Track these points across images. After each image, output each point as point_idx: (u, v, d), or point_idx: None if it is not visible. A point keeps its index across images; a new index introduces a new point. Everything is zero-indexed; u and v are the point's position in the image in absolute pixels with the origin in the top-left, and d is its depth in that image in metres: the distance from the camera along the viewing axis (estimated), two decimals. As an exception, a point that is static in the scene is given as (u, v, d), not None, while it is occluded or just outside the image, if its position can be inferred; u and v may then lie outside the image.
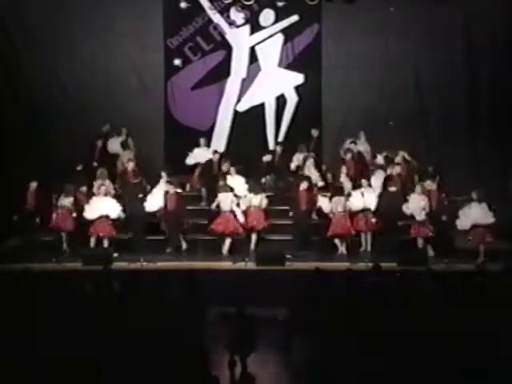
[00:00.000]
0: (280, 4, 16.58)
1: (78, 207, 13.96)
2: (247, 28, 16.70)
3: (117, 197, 14.34)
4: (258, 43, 16.77)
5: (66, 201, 13.92)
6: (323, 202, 14.36)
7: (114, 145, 15.86)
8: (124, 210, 14.02)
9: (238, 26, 16.67)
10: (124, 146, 15.77)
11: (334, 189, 14.60)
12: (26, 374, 8.02)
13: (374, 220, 13.95)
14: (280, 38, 16.72)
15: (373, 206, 14.02)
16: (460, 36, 16.42)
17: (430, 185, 14.29)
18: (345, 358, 8.62)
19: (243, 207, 14.23)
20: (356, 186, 14.51)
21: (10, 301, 9.38)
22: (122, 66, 16.46)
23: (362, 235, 14.18)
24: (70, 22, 15.99)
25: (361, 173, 15.00)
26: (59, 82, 16.40)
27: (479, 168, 15.95)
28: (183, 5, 16.53)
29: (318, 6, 16.39)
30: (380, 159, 15.41)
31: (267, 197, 14.55)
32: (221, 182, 14.57)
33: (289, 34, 16.67)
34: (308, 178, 14.50)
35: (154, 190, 14.43)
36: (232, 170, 14.92)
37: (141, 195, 14.33)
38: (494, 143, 16.01)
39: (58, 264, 12.92)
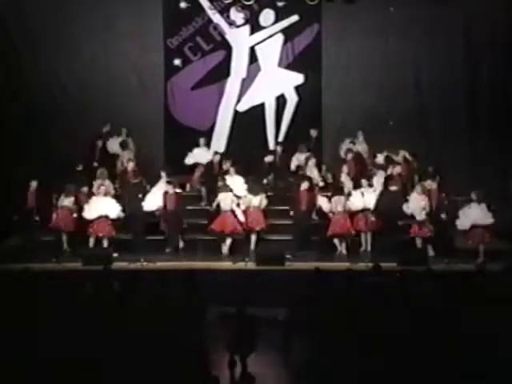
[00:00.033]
0: (280, 4, 16.57)
1: (79, 207, 13.96)
2: (247, 28, 16.69)
3: (117, 197, 14.34)
4: (258, 43, 16.76)
5: (67, 201, 13.92)
6: (323, 202, 14.37)
7: (114, 145, 15.86)
8: (124, 210, 14.01)
9: (238, 26, 16.66)
10: (124, 146, 15.76)
11: (334, 189, 14.60)
12: (26, 374, 8.00)
13: (373, 219, 13.95)
14: (280, 38, 16.71)
15: (372, 205, 14.02)
16: (460, 36, 16.42)
17: (430, 185, 14.31)
18: (345, 358, 8.60)
19: (243, 207, 14.24)
20: (356, 185, 14.52)
21: (10, 301, 9.36)
22: (122, 66, 16.46)
23: (361, 235, 14.19)
24: (70, 21, 16.00)
25: (360, 173, 15.02)
26: (59, 82, 16.40)
27: (479, 168, 15.96)
28: (183, 5, 16.52)
29: (318, 6, 16.38)
30: (380, 159, 15.41)
31: (267, 197, 14.55)
32: (220, 182, 14.57)
33: (289, 34, 16.65)
34: (309, 178, 14.50)
35: (154, 190, 14.42)
36: (231, 170, 14.90)
37: (140, 195, 14.33)
38: (494, 143, 16.02)
39: (58, 264, 12.93)
